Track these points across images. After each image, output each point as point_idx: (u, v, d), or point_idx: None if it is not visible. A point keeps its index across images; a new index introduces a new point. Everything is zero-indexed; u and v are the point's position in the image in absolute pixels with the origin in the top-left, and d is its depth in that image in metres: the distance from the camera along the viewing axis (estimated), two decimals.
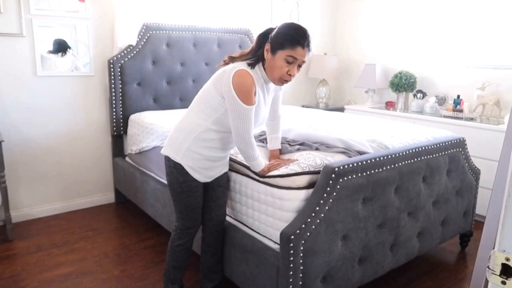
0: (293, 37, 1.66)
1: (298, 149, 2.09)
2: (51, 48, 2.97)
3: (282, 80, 1.74)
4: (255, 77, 1.72)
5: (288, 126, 2.46)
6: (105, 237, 2.86)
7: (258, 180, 1.91)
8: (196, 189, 1.90)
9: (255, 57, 1.77)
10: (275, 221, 1.83)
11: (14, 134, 2.95)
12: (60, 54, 3.01)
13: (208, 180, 1.94)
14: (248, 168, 1.95)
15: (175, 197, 1.92)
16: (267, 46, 1.71)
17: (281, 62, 1.68)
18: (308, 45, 1.68)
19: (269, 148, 2.08)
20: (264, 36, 1.77)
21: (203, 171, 1.88)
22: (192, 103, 1.88)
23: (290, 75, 1.71)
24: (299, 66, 1.72)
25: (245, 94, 1.68)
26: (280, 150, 2.08)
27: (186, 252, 2.02)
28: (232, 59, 1.81)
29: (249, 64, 1.75)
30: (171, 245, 2.02)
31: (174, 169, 1.86)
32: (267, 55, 1.72)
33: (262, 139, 2.28)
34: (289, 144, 2.15)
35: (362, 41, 4.43)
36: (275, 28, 1.75)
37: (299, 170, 1.81)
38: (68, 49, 3.03)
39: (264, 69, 1.77)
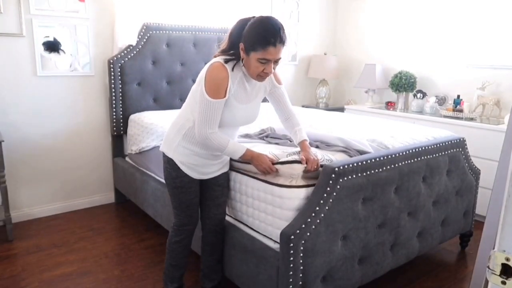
0: (264, 38, 1.61)
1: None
2: (44, 49, 2.96)
3: (259, 77, 1.73)
4: (231, 73, 1.72)
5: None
6: (105, 237, 2.86)
7: (258, 178, 1.91)
8: (189, 185, 1.91)
9: (234, 55, 1.75)
10: (274, 219, 1.83)
11: (14, 134, 2.94)
12: (53, 53, 3.00)
13: (203, 177, 1.94)
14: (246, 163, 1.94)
15: (170, 192, 1.96)
16: (241, 45, 1.69)
17: (255, 63, 1.67)
18: (281, 41, 1.63)
19: (296, 143, 1.95)
20: (238, 32, 1.72)
21: (195, 168, 1.89)
22: (186, 101, 1.91)
23: (266, 72, 1.69)
24: (276, 62, 1.70)
25: (213, 86, 1.69)
26: (306, 141, 1.91)
27: (183, 249, 2.02)
28: (220, 52, 1.79)
29: (226, 61, 1.73)
30: (168, 242, 2.03)
31: (168, 164, 1.90)
32: (242, 54, 1.71)
33: (262, 136, 2.28)
34: (289, 140, 2.16)
35: (362, 41, 4.43)
36: (248, 21, 1.70)
37: (297, 159, 1.81)
38: (60, 48, 3.00)
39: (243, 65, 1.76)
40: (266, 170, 1.80)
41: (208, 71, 1.72)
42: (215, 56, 1.79)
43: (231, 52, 1.75)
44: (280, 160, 1.82)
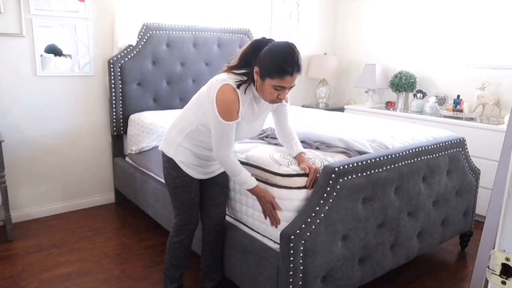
0: (281, 67, 1.60)
1: None
2: (47, 50, 2.98)
3: (273, 102, 1.73)
4: (241, 96, 1.71)
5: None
6: (105, 237, 2.86)
7: (257, 179, 1.91)
8: (190, 184, 1.91)
9: (246, 76, 1.72)
10: None
11: (14, 134, 2.94)
12: (58, 56, 3.02)
13: (204, 176, 1.94)
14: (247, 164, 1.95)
15: (171, 192, 1.95)
16: (256, 69, 1.67)
17: (270, 89, 1.66)
18: (298, 70, 1.63)
19: (294, 156, 1.93)
20: (252, 53, 1.70)
21: (195, 168, 1.90)
22: (189, 102, 1.90)
23: (280, 98, 1.69)
24: (290, 88, 1.70)
25: (226, 110, 1.68)
26: (304, 154, 1.92)
27: (184, 249, 2.02)
28: (230, 69, 1.77)
29: (238, 85, 1.70)
30: (169, 242, 2.03)
31: (168, 164, 1.90)
32: (256, 77, 1.68)
33: (262, 136, 2.28)
34: None
35: (362, 41, 4.43)
36: (263, 43, 1.69)
37: (301, 171, 1.81)
38: (62, 53, 3.03)
39: (256, 87, 1.73)
40: (269, 210, 1.79)
41: (219, 94, 1.68)
42: (223, 71, 1.77)
43: (244, 72, 1.73)
44: (280, 172, 1.81)
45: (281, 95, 1.68)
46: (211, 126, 1.74)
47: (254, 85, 1.73)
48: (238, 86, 1.70)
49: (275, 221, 1.79)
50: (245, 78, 1.71)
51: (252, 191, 1.82)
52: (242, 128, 1.81)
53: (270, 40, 1.71)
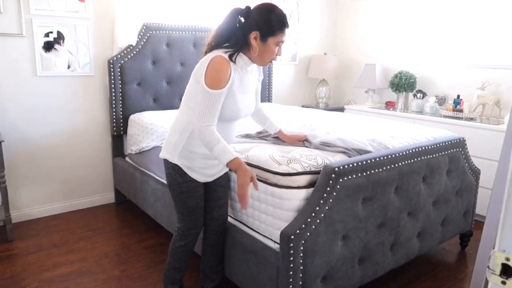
0: (281, 21, 1.71)
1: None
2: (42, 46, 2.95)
3: (269, 62, 1.82)
4: (233, 66, 1.71)
5: (288, 126, 2.47)
6: (105, 237, 2.86)
7: (257, 179, 1.91)
8: (195, 189, 1.89)
9: (233, 47, 1.73)
10: (275, 220, 1.83)
11: (14, 134, 2.95)
12: (51, 51, 2.99)
13: (208, 179, 1.92)
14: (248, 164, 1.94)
15: (175, 198, 1.91)
16: (255, 34, 1.70)
17: (273, 47, 1.74)
18: (288, 24, 1.76)
19: (274, 134, 2.04)
20: (235, 25, 1.73)
21: (201, 171, 1.87)
22: (181, 102, 1.86)
23: (278, 55, 1.79)
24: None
25: (214, 79, 1.66)
26: (281, 130, 2.13)
27: (187, 253, 2.01)
28: (210, 48, 1.77)
29: (229, 56, 1.70)
30: (172, 245, 2.01)
31: (172, 170, 1.85)
32: (255, 42, 1.71)
33: (262, 136, 2.29)
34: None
35: (362, 41, 4.43)
36: (242, 12, 1.72)
37: (300, 170, 1.81)
38: (54, 46, 2.98)
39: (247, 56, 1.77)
40: (245, 190, 1.65)
41: (211, 64, 1.68)
42: (206, 52, 1.77)
43: (227, 45, 1.75)
44: (280, 171, 1.81)
45: (279, 52, 1.78)
46: (197, 98, 1.71)
47: (245, 54, 1.76)
48: (230, 58, 1.71)
49: (245, 204, 1.66)
50: (231, 49, 1.74)
51: (232, 164, 1.65)
52: (241, 101, 1.78)
53: (248, 7, 1.75)
